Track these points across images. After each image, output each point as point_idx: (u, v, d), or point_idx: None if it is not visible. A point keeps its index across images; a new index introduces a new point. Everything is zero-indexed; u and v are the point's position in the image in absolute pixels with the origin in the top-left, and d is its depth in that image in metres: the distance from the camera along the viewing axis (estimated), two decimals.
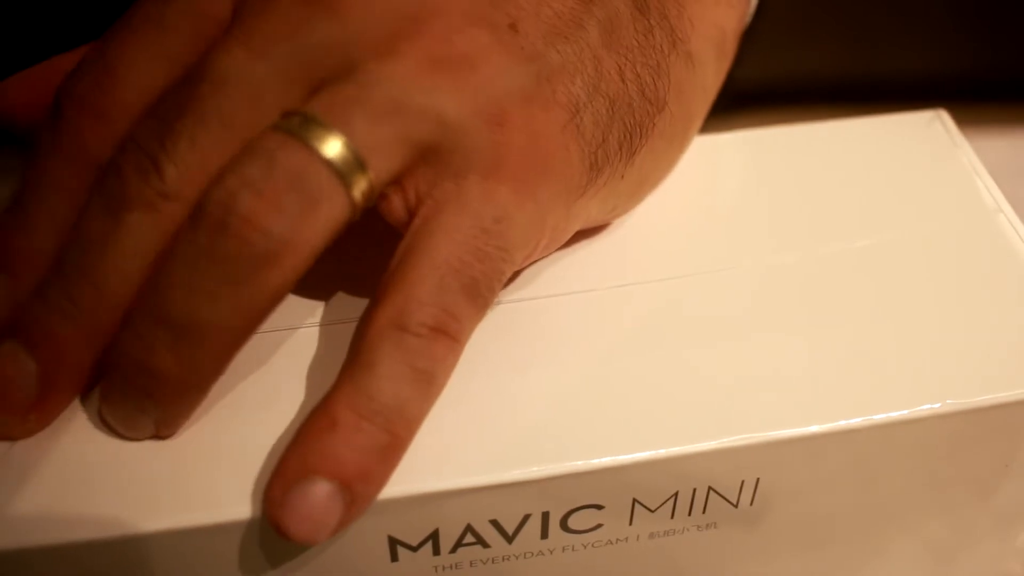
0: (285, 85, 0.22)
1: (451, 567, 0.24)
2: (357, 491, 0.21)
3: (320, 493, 0.21)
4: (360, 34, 0.22)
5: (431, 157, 0.22)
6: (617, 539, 0.25)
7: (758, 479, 0.24)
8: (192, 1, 0.23)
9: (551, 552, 0.25)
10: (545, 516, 0.24)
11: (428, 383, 0.22)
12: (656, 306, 0.25)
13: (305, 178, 0.21)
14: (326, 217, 0.21)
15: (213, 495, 0.22)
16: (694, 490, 0.24)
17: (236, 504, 0.22)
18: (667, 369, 0.24)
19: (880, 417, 0.23)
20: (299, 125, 0.21)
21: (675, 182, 0.28)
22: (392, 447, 0.22)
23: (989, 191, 0.28)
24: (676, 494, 0.24)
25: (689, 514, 0.24)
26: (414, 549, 0.24)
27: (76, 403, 0.23)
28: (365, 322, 0.22)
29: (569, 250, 0.27)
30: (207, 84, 0.22)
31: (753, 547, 0.26)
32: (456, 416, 0.23)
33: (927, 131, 0.30)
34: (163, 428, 0.23)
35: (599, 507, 0.24)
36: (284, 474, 0.21)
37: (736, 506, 0.24)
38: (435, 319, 0.22)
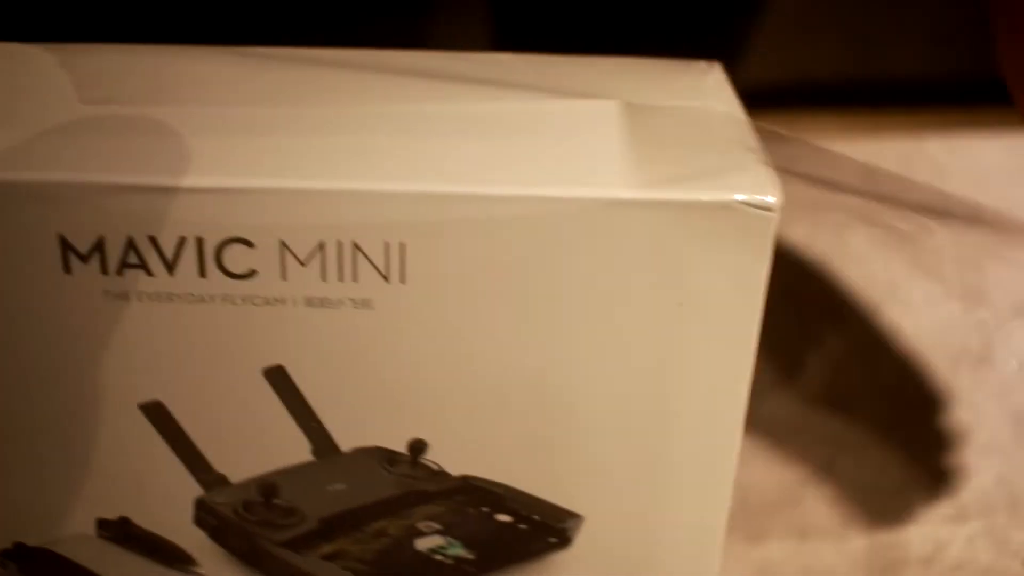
0: None
1: (121, 296, 0.24)
2: None
3: None
4: None
5: None
6: (275, 298, 0.24)
7: (402, 244, 0.22)
8: None
9: (212, 299, 0.24)
10: (199, 243, 0.23)
11: None
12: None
13: None
14: None
15: None
16: (339, 243, 0.23)
17: None
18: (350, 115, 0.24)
19: (534, 191, 0.21)
20: None
21: None
22: None
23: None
24: (322, 245, 0.23)
25: (340, 279, 0.23)
26: (83, 259, 0.24)
27: None
28: None
29: None
30: None
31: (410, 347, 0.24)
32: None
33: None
34: None
35: (250, 244, 0.23)
36: None
37: (387, 280, 0.23)
38: None
